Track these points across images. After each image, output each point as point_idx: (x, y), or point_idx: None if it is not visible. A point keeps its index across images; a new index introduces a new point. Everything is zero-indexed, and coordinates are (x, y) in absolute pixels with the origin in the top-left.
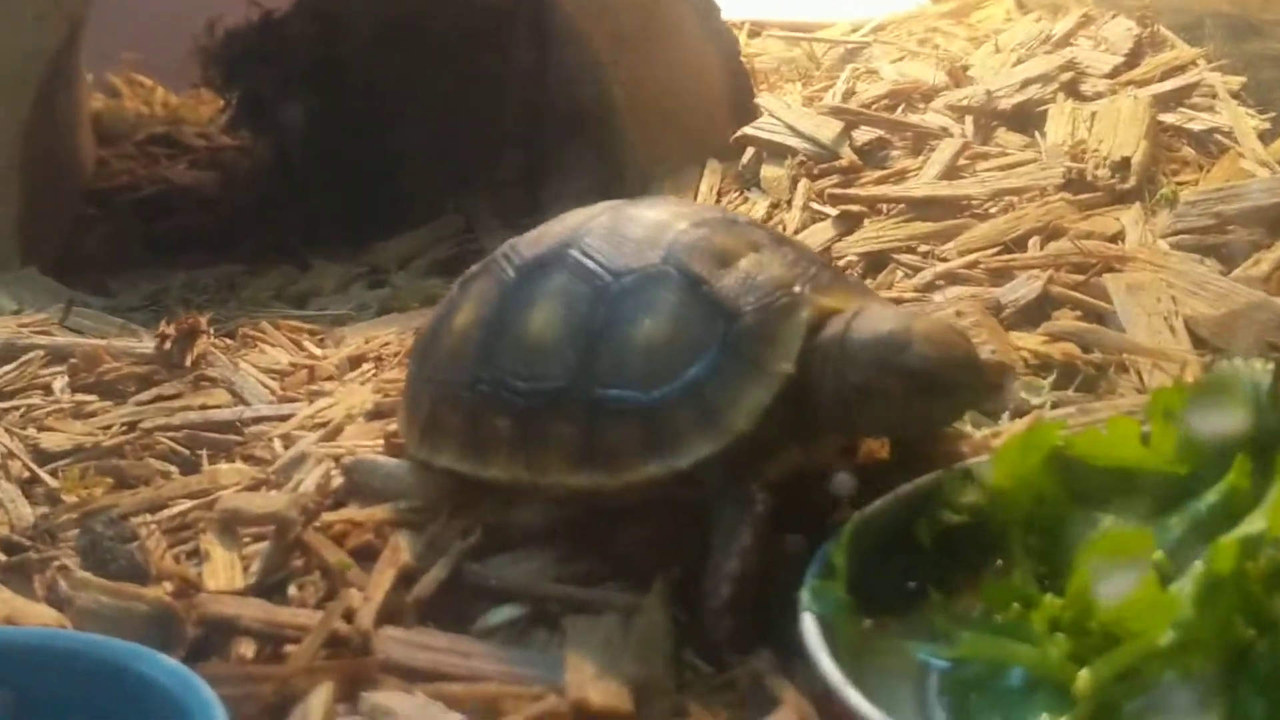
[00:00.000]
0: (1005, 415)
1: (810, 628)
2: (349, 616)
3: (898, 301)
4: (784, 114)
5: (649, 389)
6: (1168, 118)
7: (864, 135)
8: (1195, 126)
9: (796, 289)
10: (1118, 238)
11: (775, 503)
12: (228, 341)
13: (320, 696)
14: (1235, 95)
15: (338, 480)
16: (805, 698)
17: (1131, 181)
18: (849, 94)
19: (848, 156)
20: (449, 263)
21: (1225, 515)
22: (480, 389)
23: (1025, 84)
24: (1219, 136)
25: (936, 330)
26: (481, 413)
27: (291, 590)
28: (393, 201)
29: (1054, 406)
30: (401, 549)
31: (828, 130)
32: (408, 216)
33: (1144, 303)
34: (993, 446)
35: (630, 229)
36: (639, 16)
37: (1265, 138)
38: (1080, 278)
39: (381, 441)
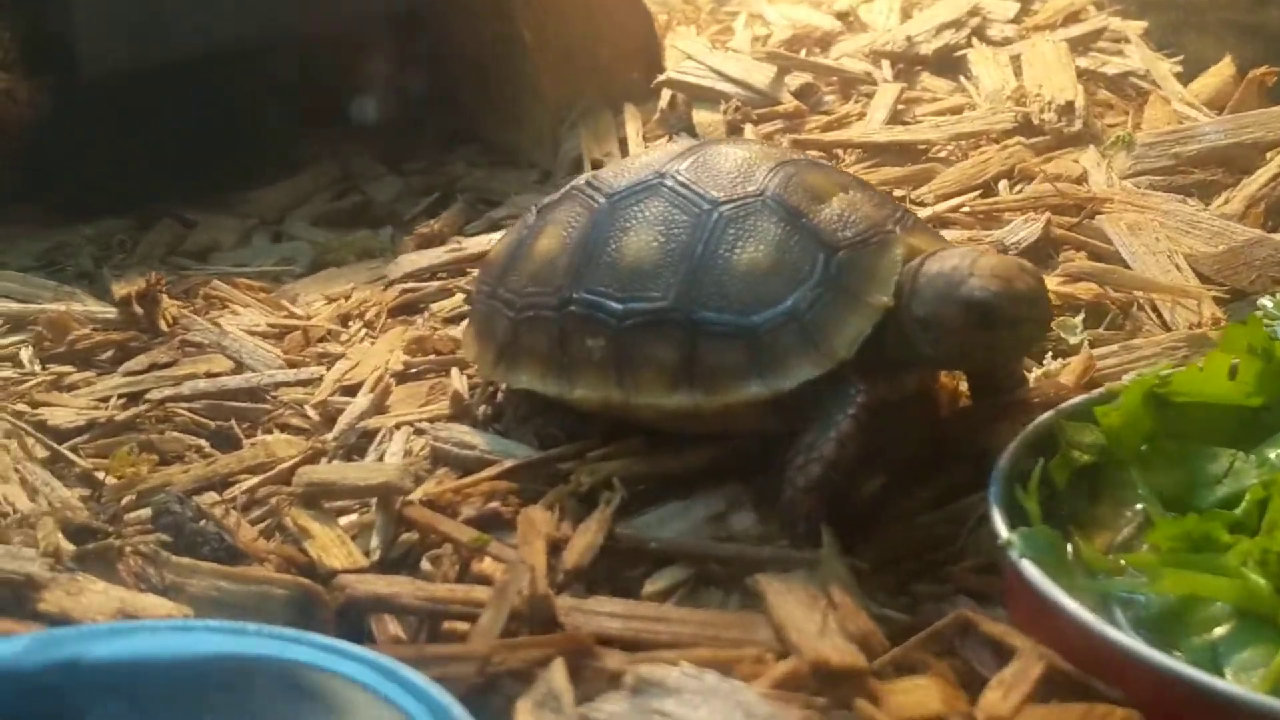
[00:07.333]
0: (1048, 355)
1: (1034, 573)
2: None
3: None
4: (708, 58)
5: (750, 313)
6: (1081, 62)
7: (792, 80)
8: (1109, 70)
9: (889, 228)
10: (1081, 180)
11: (874, 400)
12: (193, 302)
13: (558, 672)
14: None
15: (416, 448)
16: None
17: (1078, 125)
18: (764, 39)
19: (789, 101)
20: (351, 212)
21: None
22: (570, 310)
23: (940, 29)
24: (1135, 80)
25: (1001, 265)
26: (571, 333)
27: (424, 565)
28: (238, 149)
29: (1093, 345)
30: (535, 517)
31: (760, 75)
32: (261, 164)
33: (1145, 242)
34: (1063, 385)
35: (720, 163)
36: None
37: (1180, 80)
38: (1073, 219)
39: (433, 405)
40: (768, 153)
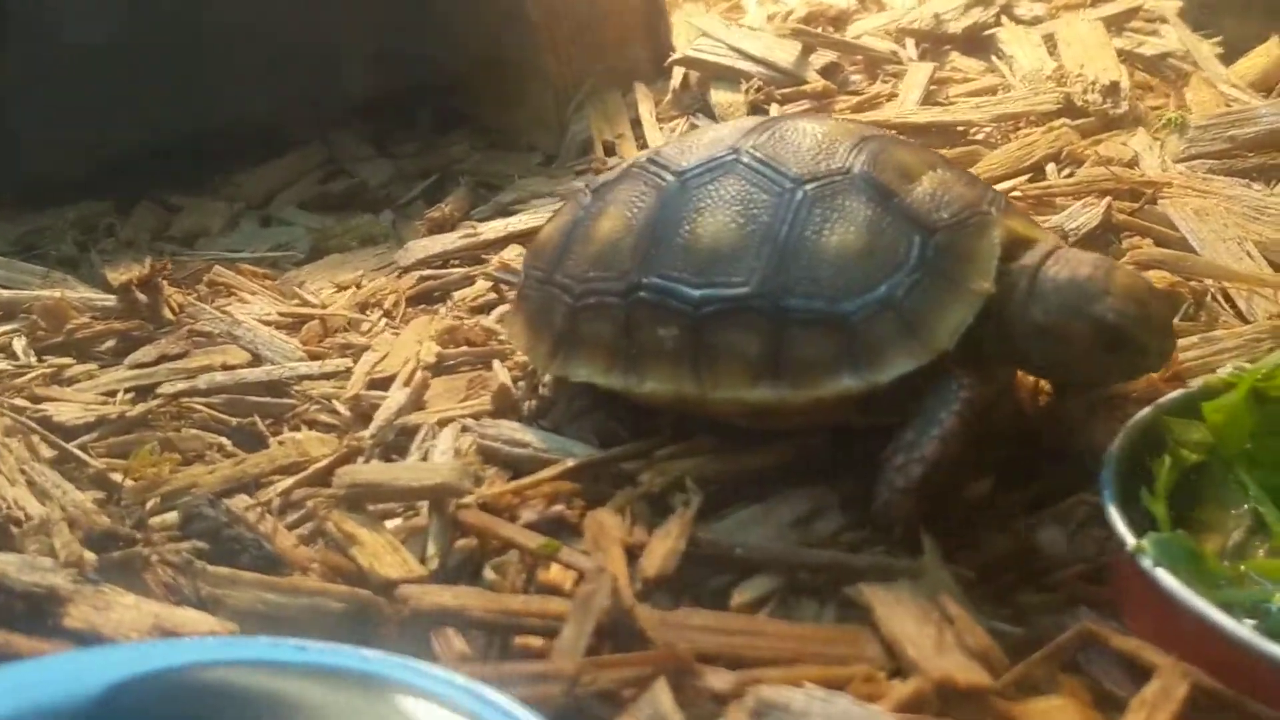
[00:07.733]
0: None
1: (1172, 583)
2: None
3: None
4: (725, 36)
5: (841, 300)
6: (1116, 43)
7: (815, 60)
8: (1146, 51)
9: (984, 208)
10: (1133, 163)
11: (978, 396)
12: (197, 289)
13: (662, 693)
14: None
15: (465, 446)
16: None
17: (1123, 107)
18: (779, 16)
19: (816, 81)
20: (341, 196)
21: None
22: (639, 296)
23: (968, 7)
24: (1174, 61)
25: (1137, 287)
26: (640, 322)
27: (487, 574)
28: (213, 132)
29: None
30: (606, 521)
31: (783, 53)
32: (241, 146)
33: (1214, 228)
34: (1150, 379)
35: (798, 139)
36: None
37: (1222, 60)
38: (1132, 204)
39: (474, 400)
40: (847, 128)
